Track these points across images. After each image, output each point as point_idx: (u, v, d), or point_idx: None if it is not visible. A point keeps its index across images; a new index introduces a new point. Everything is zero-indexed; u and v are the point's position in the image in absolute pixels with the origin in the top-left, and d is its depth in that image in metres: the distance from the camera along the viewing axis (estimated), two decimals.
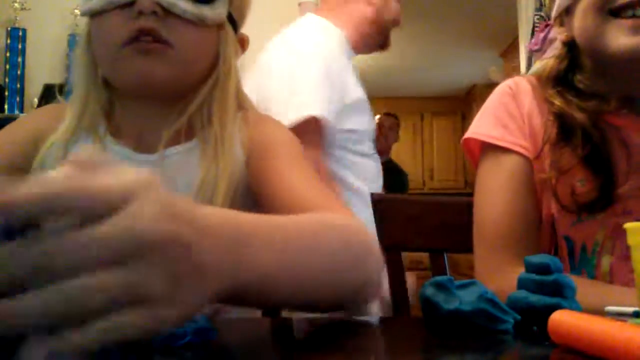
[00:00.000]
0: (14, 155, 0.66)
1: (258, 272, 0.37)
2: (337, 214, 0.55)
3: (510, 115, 0.78)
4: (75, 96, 0.69)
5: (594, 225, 0.72)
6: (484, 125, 0.79)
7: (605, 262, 0.72)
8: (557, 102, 0.75)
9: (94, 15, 0.64)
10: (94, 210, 0.27)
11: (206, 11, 0.64)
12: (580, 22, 0.73)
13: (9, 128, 0.70)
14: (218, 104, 0.67)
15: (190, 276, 0.30)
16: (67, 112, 0.69)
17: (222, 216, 0.36)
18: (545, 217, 0.75)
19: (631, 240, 0.44)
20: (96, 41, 0.66)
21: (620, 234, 0.71)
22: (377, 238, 0.54)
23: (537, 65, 0.91)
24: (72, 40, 2.31)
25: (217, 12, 0.66)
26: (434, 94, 5.49)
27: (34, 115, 0.71)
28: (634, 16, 0.67)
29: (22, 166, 0.66)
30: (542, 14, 2.23)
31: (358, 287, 0.51)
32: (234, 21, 0.70)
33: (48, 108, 0.73)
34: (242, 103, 0.75)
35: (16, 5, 2.31)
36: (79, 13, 2.38)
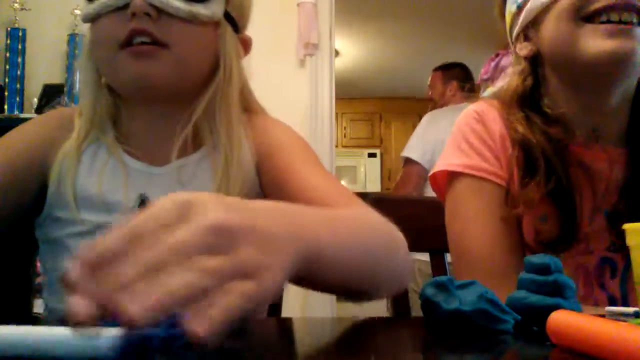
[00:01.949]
0: (21, 160, 0.66)
1: (319, 243, 0.39)
2: (366, 210, 0.57)
3: (483, 142, 0.75)
4: (83, 103, 0.69)
5: None
6: (456, 154, 0.77)
7: None
8: (521, 128, 0.73)
9: (92, 20, 0.65)
10: (168, 223, 0.30)
11: (200, 9, 0.64)
12: (551, 31, 0.72)
13: (16, 134, 0.69)
14: (221, 108, 0.67)
15: (270, 246, 0.32)
16: (75, 118, 0.69)
17: (265, 202, 0.38)
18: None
19: (630, 240, 0.44)
20: (95, 46, 0.66)
21: (582, 273, 0.71)
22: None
23: (489, 90, 0.89)
24: (72, 40, 2.31)
25: (211, 10, 0.65)
26: None
27: (41, 123, 0.71)
28: (608, 21, 0.66)
29: (25, 172, 0.65)
30: None
31: (394, 276, 0.54)
32: (234, 21, 0.70)
33: (54, 115, 0.73)
34: (249, 106, 0.74)
35: (16, 5, 2.31)
36: (79, 13, 2.38)
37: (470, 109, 0.80)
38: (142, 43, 0.62)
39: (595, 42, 0.67)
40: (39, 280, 1.36)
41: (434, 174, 0.79)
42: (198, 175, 0.67)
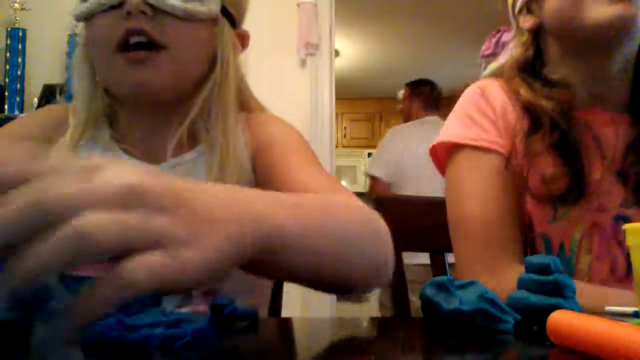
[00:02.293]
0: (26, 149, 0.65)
1: (277, 225, 0.36)
2: (346, 198, 0.54)
3: (483, 113, 0.77)
4: (77, 102, 0.68)
5: (570, 223, 0.72)
6: (456, 127, 0.78)
7: (584, 261, 0.72)
8: (524, 92, 0.75)
9: (86, 19, 0.63)
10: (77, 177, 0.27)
11: (197, 6, 0.63)
12: (555, 3, 0.74)
13: (15, 126, 0.68)
14: (218, 105, 0.66)
15: (199, 224, 0.30)
16: (70, 117, 0.68)
17: (219, 185, 0.36)
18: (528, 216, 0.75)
19: (630, 240, 0.44)
20: (91, 45, 0.65)
21: (597, 232, 0.72)
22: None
23: (492, 66, 0.91)
24: (72, 40, 2.31)
25: (208, 6, 0.64)
26: None
27: (41, 120, 0.70)
28: None
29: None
30: None
31: (370, 265, 0.49)
32: (231, 17, 0.69)
33: (51, 114, 0.71)
34: (246, 102, 0.73)
35: (16, 5, 2.31)
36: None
37: (472, 85, 0.83)
38: (138, 44, 0.60)
39: (599, 9, 0.69)
40: None
41: (434, 147, 0.81)
42: (193, 174, 0.66)
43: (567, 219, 0.72)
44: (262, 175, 0.67)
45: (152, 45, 0.61)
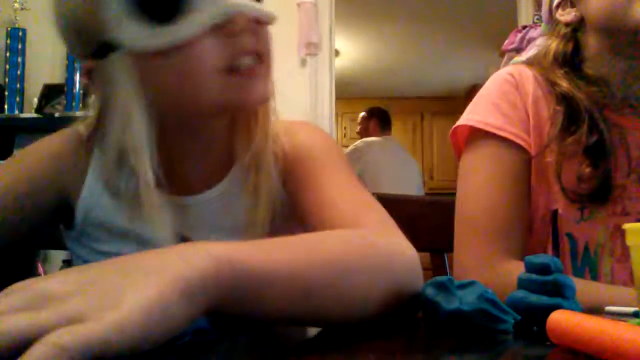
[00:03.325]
0: (33, 189, 0.61)
1: (247, 265, 0.34)
2: (368, 229, 0.51)
3: (512, 104, 0.75)
4: (135, 158, 0.55)
5: (596, 224, 0.72)
6: (480, 112, 0.76)
7: (606, 263, 0.72)
8: (564, 83, 0.73)
9: (178, 48, 0.51)
10: None
11: (270, 11, 0.57)
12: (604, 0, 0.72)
13: (26, 162, 0.63)
14: (263, 120, 0.62)
15: (109, 293, 0.28)
16: (94, 142, 0.63)
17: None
18: (543, 214, 0.74)
19: (630, 240, 0.44)
20: (179, 73, 0.53)
21: (620, 236, 0.71)
22: (417, 258, 0.50)
23: (516, 59, 0.90)
24: None
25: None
26: (434, 94, 5.48)
27: (57, 154, 0.63)
28: None
29: (36, 201, 0.61)
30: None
31: (375, 298, 0.45)
32: None
33: (69, 142, 0.64)
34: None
35: (16, 5, 2.31)
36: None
37: (503, 71, 0.81)
38: (248, 64, 0.54)
39: None
40: None
41: (455, 128, 0.79)
42: (230, 203, 0.63)
43: (593, 220, 0.72)
44: (291, 192, 0.63)
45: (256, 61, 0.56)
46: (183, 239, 0.60)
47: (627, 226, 0.44)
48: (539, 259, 0.48)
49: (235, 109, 0.59)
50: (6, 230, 0.59)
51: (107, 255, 0.62)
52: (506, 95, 0.76)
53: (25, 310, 0.27)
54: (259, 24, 0.55)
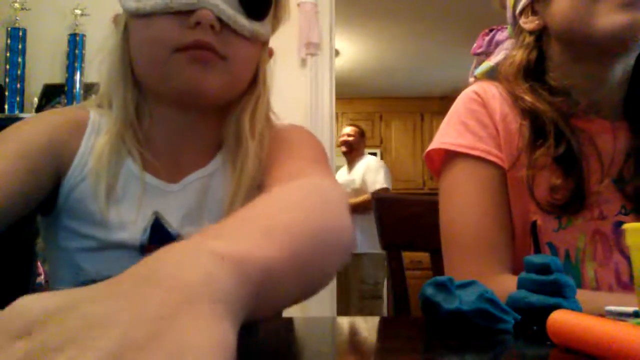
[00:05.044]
0: (34, 158, 0.61)
1: (257, 261, 0.31)
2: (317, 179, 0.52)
3: (481, 122, 0.76)
4: (114, 102, 0.66)
5: (574, 231, 0.72)
6: (451, 133, 0.77)
7: (589, 268, 0.72)
8: (528, 98, 0.74)
9: (144, 15, 0.61)
10: None
11: (259, 28, 0.65)
12: (565, 7, 0.72)
13: (30, 128, 0.64)
14: (253, 118, 0.67)
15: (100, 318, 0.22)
16: (90, 118, 0.67)
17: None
18: (523, 226, 0.75)
19: (630, 240, 0.44)
20: (140, 42, 0.63)
21: (599, 239, 0.72)
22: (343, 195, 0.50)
23: (486, 64, 0.90)
24: (72, 40, 2.31)
25: (266, 28, 0.66)
26: (434, 94, 5.48)
27: (56, 124, 0.66)
28: None
29: (41, 168, 0.61)
30: None
31: (335, 256, 0.43)
32: None
33: (66, 118, 0.67)
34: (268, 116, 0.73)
35: (16, 5, 2.31)
36: (79, 13, 2.37)
37: (469, 89, 0.81)
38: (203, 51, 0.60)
39: (611, 15, 0.68)
40: (39, 280, 1.36)
41: (429, 152, 0.80)
42: (212, 188, 0.67)
43: (572, 227, 0.72)
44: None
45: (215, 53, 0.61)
46: (157, 218, 0.64)
47: (627, 226, 0.44)
48: (539, 259, 0.48)
49: (187, 95, 0.63)
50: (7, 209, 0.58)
51: (83, 237, 0.63)
52: (474, 114, 0.77)
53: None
54: (224, 27, 0.61)
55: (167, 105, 0.66)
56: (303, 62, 2.37)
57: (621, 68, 0.74)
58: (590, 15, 0.69)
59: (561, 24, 0.74)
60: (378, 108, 5.53)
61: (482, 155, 0.74)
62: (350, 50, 4.48)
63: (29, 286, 0.88)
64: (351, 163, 3.54)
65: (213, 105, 0.66)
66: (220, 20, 0.60)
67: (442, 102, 5.68)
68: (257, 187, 0.65)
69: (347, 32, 4.07)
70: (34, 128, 0.64)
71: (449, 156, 0.77)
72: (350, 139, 3.57)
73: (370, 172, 3.37)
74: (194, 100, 0.64)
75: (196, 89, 0.62)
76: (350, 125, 3.77)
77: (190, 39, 0.59)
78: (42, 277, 1.36)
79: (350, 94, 5.19)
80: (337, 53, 3.86)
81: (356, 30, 4.11)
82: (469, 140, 0.75)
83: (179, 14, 0.60)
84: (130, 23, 0.64)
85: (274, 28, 0.71)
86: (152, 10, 0.60)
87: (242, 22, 0.62)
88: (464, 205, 0.74)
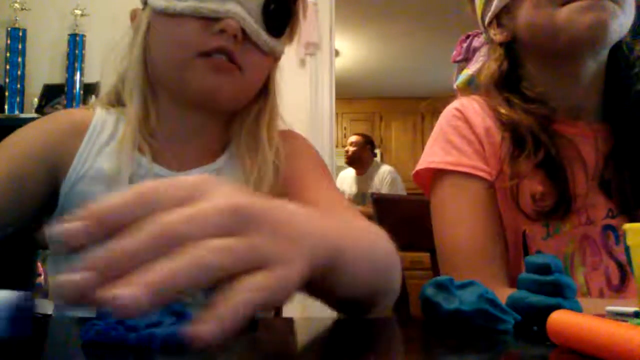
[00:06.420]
0: (26, 168, 0.63)
1: (340, 248, 0.38)
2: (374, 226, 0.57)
3: (465, 138, 0.77)
4: (132, 99, 0.67)
5: (563, 238, 0.72)
6: (437, 152, 0.78)
7: (579, 273, 0.72)
8: (504, 110, 0.75)
9: (167, 14, 0.62)
10: (184, 198, 0.28)
11: (277, 45, 0.68)
12: (528, 17, 0.74)
13: (23, 137, 0.65)
14: (270, 130, 0.70)
15: (292, 241, 0.30)
16: (93, 118, 0.68)
17: (288, 203, 0.36)
18: (515, 237, 0.75)
19: (630, 240, 0.44)
20: (163, 42, 0.64)
21: (588, 244, 0.72)
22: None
23: (465, 73, 0.90)
24: (72, 40, 2.31)
25: (282, 45, 0.69)
26: (433, 94, 5.49)
27: (52, 129, 0.67)
28: None
29: (33, 179, 0.63)
30: None
31: (390, 293, 0.52)
32: None
33: (65, 120, 0.69)
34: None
35: (16, 5, 2.31)
36: (79, 13, 2.37)
37: (451, 106, 0.82)
38: (222, 59, 0.62)
39: (573, 18, 0.69)
40: (39, 280, 1.36)
41: (417, 172, 0.81)
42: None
43: (560, 234, 0.72)
44: (279, 186, 0.68)
45: (232, 62, 0.63)
46: None
47: (627, 226, 0.44)
48: (539, 259, 0.48)
49: (201, 100, 0.65)
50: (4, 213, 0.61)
51: None
52: (458, 130, 0.78)
53: (233, 230, 0.27)
54: (247, 39, 0.63)
55: (177, 104, 0.68)
56: (303, 62, 2.37)
57: (592, 70, 0.75)
58: (553, 22, 0.70)
59: (527, 34, 0.75)
60: (378, 108, 5.53)
61: (469, 170, 0.75)
62: (350, 50, 4.48)
63: (29, 286, 0.88)
64: (361, 171, 3.66)
65: (223, 111, 0.69)
66: (243, 32, 0.62)
67: (443, 102, 5.68)
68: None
69: (347, 32, 4.07)
70: (23, 140, 0.65)
71: (437, 174, 0.78)
72: (353, 148, 3.67)
73: (385, 187, 3.53)
74: (207, 104, 0.66)
75: (212, 96, 0.64)
76: (355, 134, 3.86)
77: (214, 44, 0.61)
78: (42, 277, 1.36)
79: (350, 94, 5.19)
80: (337, 53, 3.86)
81: (356, 30, 4.11)
82: (454, 157, 0.76)
83: (205, 20, 0.61)
84: (154, 21, 0.65)
85: (285, 43, 0.73)
86: (180, 11, 0.61)
87: (264, 37, 0.65)
88: (455, 221, 0.75)
